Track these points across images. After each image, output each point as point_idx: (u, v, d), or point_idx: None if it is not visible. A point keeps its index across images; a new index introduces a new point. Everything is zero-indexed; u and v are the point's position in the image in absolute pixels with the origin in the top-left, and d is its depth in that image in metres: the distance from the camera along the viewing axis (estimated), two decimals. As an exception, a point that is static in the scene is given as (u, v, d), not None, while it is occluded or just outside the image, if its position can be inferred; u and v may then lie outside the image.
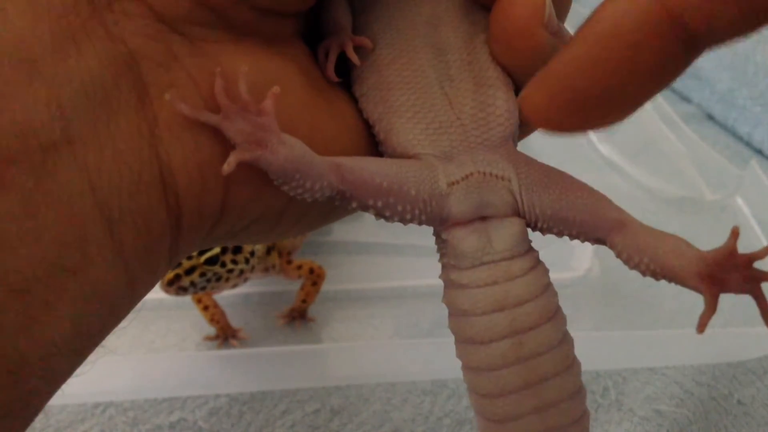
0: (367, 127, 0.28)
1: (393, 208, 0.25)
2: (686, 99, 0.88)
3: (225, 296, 0.54)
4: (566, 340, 0.26)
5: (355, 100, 0.28)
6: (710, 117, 0.85)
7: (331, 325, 0.55)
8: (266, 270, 0.52)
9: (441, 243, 0.27)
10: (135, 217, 0.21)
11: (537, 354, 0.25)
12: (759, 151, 0.78)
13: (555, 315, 0.26)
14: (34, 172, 0.19)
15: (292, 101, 0.25)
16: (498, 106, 0.27)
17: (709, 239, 0.68)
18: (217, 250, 0.47)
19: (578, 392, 0.26)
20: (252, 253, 0.50)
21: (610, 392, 0.49)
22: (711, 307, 0.23)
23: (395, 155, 0.27)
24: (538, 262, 0.26)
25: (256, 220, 0.25)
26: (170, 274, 0.46)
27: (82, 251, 0.20)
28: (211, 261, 0.47)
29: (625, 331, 0.54)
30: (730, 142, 0.80)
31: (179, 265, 0.46)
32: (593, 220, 0.26)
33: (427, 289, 0.57)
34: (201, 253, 0.47)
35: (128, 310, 0.23)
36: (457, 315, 0.26)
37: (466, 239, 0.26)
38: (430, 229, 0.27)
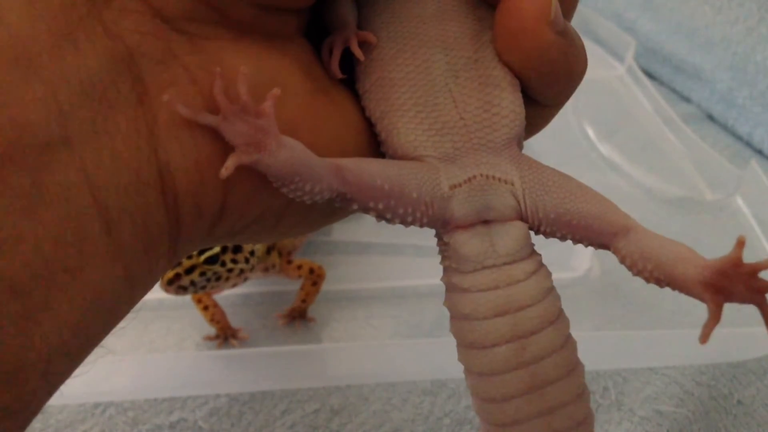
0: (370, 126, 0.27)
1: (394, 210, 0.25)
2: (686, 99, 0.87)
3: (225, 296, 0.54)
4: (569, 343, 0.26)
5: (358, 98, 0.28)
6: (710, 117, 0.84)
7: (331, 325, 0.55)
8: (266, 270, 0.52)
9: (443, 246, 0.26)
10: (133, 217, 0.21)
11: (540, 358, 0.25)
12: (759, 151, 0.78)
13: (557, 319, 0.25)
14: (31, 172, 0.19)
15: (293, 100, 0.25)
16: (503, 107, 0.26)
17: (709, 239, 0.68)
18: (217, 249, 0.47)
19: (582, 395, 0.26)
20: (252, 253, 0.50)
21: (610, 392, 0.49)
22: (715, 317, 0.23)
23: (396, 156, 0.26)
24: (540, 266, 0.26)
25: (256, 220, 0.25)
26: (170, 273, 0.46)
27: (80, 251, 0.20)
28: (211, 260, 0.47)
29: (625, 331, 0.54)
30: (730, 142, 0.80)
31: (179, 264, 0.46)
32: (598, 225, 0.26)
33: (427, 289, 0.57)
34: (201, 252, 0.47)
35: (127, 310, 0.23)
36: (458, 319, 0.26)
37: (468, 243, 0.25)
38: (431, 230, 0.27)
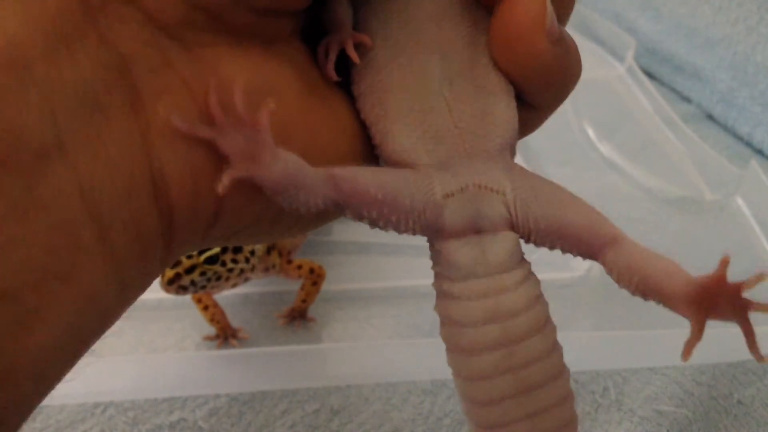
0: (365, 129, 0.27)
1: (387, 218, 0.25)
2: (686, 99, 0.87)
3: (225, 296, 0.54)
4: (556, 349, 0.26)
5: (354, 101, 0.28)
6: (710, 117, 0.84)
7: (331, 325, 0.55)
8: (266, 269, 0.52)
9: (434, 253, 0.27)
10: (126, 223, 0.21)
11: (528, 364, 0.25)
12: (759, 151, 0.78)
13: (545, 326, 0.26)
14: (24, 178, 0.19)
15: (288, 105, 0.25)
16: (497, 115, 0.26)
17: (709, 239, 0.68)
18: (217, 249, 0.47)
19: (567, 398, 0.26)
20: (252, 253, 0.50)
21: (610, 392, 0.49)
22: (697, 334, 0.23)
23: (390, 161, 0.26)
24: (530, 274, 0.26)
25: (251, 224, 0.25)
26: (170, 273, 0.46)
27: (72, 257, 0.20)
28: (211, 260, 0.47)
29: (625, 331, 0.54)
30: (730, 142, 0.80)
31: (179, 264, 0.46)
32: (586, 236, 0.26)
33: (427, 289, 0.56)
34: (201, 252, 0.47)
35: (120, 313, 0.23)
36: (448, 325, 0.26)
37: (459, 251, 0.25)
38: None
